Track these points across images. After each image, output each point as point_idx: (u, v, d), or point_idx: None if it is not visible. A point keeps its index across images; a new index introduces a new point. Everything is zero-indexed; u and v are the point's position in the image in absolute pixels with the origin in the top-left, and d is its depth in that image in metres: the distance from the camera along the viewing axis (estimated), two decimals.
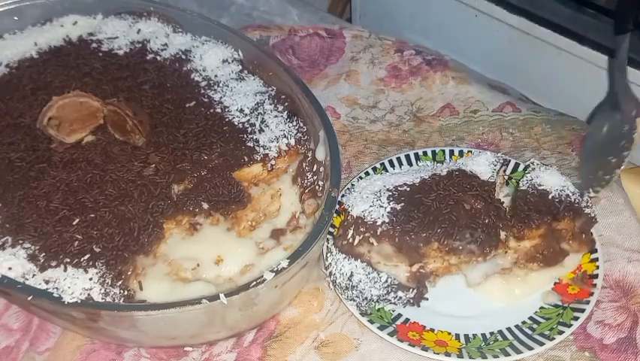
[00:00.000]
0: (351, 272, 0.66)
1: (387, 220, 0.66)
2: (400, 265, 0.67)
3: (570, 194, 0.68)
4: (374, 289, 0.66)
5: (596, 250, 0.71)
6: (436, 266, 0.67)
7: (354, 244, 0.66)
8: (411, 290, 0.67)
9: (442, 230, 0.64)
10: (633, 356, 0.65)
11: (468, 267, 0.67)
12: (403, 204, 0.66)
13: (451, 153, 0.81)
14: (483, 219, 0.65)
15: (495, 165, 0.70)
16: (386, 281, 0.66)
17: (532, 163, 0.71)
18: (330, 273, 0.68)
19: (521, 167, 0.79)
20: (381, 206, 0.67)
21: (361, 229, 0.66)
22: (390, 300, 0.67)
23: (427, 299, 0.68)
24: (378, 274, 0.66)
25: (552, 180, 0.69)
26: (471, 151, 0.80)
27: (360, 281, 0.66)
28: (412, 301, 0.67)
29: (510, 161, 0.77)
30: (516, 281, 0.69)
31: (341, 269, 0.67)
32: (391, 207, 0.66)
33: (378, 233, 0.65)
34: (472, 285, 0.69)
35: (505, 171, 0.73)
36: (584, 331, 0.67)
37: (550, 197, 0.67)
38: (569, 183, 0.69)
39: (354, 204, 0.68)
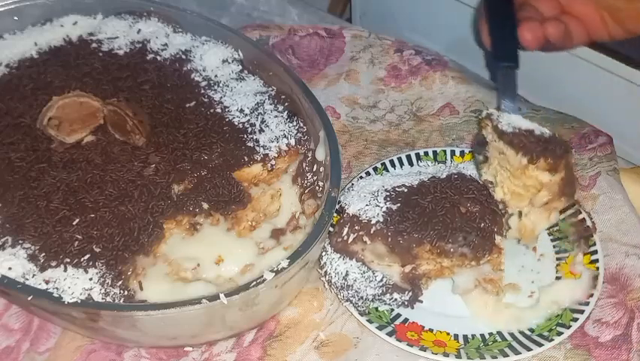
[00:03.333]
0: (347, 271, 0.66)
1: (381, 220, 0.65)
2: (392, 265, 0.67)
3: (547, 132, 0.64)
4: (369, 289, 0.66)
5: (596, 252, 0.71)
6: (429, 268, 0.67)
7: (349, 241, 0.66)
8: (406, 293, 0.67)
9: (435, 232, 0.64)
10: (627, 352, 0.65)
11: (461, 270, 0.67)
12: (399, 204, 0.66)
13: (452, 153, 0.81)
14: (478, 223, 0.65)
15: None
16: (381, 280, 0.66)
17: (493, 113, 0.66)
18: (325, 272, 0.68)
19: None
20: (377, 205, 0.67)
21: (356, 227, 0.66)
22: (385, 301, 0.67)
23: (422, 302, 0.68)
24: (374, 273, 0.66)
25: (522, 122, 0.65)
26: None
27: (356, 280, 0.66)
28: (406, 303, 0.67)
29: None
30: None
31: (336, 268, 0.67)
32: (387, 207, 0.66)
33: (372, 232, 0.65)
34: (458, 292, 0.69)
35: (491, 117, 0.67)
36: (580, 329, 0.67)
37: (537, 134, 0.63)
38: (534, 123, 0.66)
39: (350, 203, 0.68)
